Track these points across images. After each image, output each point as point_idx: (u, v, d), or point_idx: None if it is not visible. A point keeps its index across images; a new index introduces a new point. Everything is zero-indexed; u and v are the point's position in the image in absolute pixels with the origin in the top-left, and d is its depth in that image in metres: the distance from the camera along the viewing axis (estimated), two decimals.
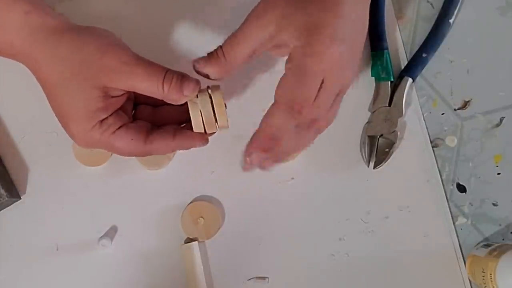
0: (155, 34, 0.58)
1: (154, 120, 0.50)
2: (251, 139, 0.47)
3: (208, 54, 0.47)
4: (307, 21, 0.43)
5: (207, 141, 0.49)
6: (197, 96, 0.47)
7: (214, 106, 0.47)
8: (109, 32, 0.47)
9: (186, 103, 0.47)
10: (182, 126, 0.50)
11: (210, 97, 0.47)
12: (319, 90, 0.44)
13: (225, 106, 0.48)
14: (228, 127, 0.48)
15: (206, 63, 0.46)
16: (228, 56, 0.46)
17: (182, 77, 0.46)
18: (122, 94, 0.46)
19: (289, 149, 0.48)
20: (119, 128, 0.47)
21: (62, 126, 0.47)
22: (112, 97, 0.46)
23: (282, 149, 0.47)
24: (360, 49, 0.46)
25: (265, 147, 0.47)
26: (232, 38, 0.46)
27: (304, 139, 0.48)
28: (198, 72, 0.46)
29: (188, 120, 0.48)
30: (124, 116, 0.48)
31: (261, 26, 0.44)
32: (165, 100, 0.46)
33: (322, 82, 0.44)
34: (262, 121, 0.47)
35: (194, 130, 0.48)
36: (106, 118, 0.46)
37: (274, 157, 0.48)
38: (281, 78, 0.45)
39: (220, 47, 0.46)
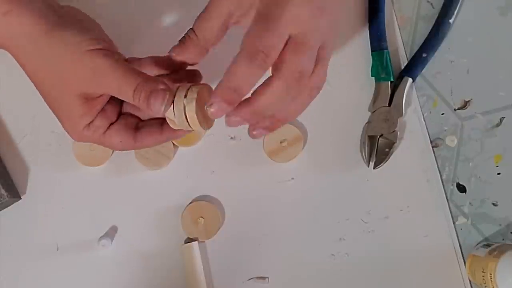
0: (157, 33, 0.58)
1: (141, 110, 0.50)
2: (213, 91, 0.43)
3: (180, 39, 0.47)
4: None
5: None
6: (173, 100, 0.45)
7: (187, 117, 0.45)
8: (90, 28, 0.46)
9: None
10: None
11: (184, 105, 0.45)
12: (288, 44, 0.43)
13: (203, 106, 0.45)
14: (205, 129, 0.47)
15: (180, 49, 0.46)
16: (200, 34, 0.46)
17: (150, 94, 0.44)
18: (103, 94, 0.46)
19: (281, 114, 0.47)
20: (108, 129, 0.47)
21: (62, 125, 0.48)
22: (94, 98, 0.46)
23: (271, 114, 0.46)
24: (336, 10, 0.45)
25: (228, 98, 0.42)
26: (201, 15, 0.46)
27: (297, 103, 0.46)
28: (175, 61, 0.47)
29: None
30: (111, 114, 0.48)
31: None
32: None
33: (290, 36, 0.43)
34: (226, 70, 0.43)
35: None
36: (92, 121, 0.46)
37: (268, 124, 0.47)
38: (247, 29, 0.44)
39: (191, 28, 0.46)
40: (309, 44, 0.44)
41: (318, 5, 0.43)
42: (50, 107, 0.47)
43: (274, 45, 0.43)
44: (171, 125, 0.46)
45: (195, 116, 0.44)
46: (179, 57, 0.47)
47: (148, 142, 0.49)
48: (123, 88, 0.44)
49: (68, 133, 0.48)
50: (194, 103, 0.44)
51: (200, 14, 0.46)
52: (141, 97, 0.44)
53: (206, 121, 0.46)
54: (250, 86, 0.43)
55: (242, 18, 0.46)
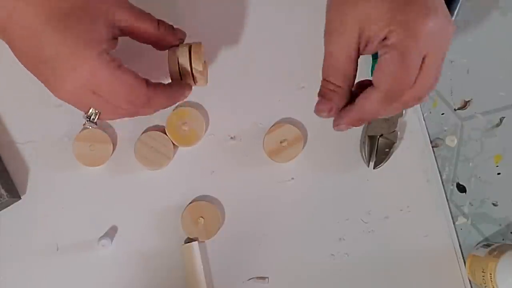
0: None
1: None
2: (343, 112, 0.46)
3: (319, 94, 0.47)
4: (390, 7, 0.42)
5: (190, 88, 0.51)
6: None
7: (192, 58, 0.50)
8: None
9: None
10: None
11: (190, 50, 0.50)
12: (421, 68, 0.43)
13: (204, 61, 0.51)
14: (205, 82, 0.52)
15: (326, 105, 0.46)
16: (340, 83, 0.45)
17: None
18: (125, 26, 0.47)
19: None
20: (123, 65, 0.46)
21: (68, 61, 0.44)
22: (116, 29, 0.46)
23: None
24: (448, 12, 0.44)
25: (352, 123, 0.47)
26: (325, 64, 0.46)
27: (395, 111, 0.46)
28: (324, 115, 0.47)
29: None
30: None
31: (344, 38, 0.43)
32: (157, 41, 0.49)
33: (423, 60, 0.42)
34: (358, 102, 0.45)
35: (171, 79, 0.51)
36: (109, 50, 0.45)
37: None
38: (379, 62, 0.43)
39: (324, 79, 0.46)
40: (435, 64, 0.43)
41: (447, 23, 0.43)
42: (63, 39, 0.43)
43: (411, 81, 0.43)
44: (169, 63, 0.50)
45: (201, 57, 0.50)
46: (326, 113, 0.47)
47: (159, 92, 0.47)
48: (148, 18, 0.48)
49: (81, 60, 0.44)
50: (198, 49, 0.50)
51: (324, 62, 0.46)
52: (166, 25, 0.49)
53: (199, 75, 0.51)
54: (374, 118, 0.46)
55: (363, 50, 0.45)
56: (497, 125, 0.58)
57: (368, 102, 0.44)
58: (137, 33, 0.48)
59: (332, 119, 0.58)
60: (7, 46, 0.46)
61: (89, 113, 0.46)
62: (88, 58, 0.44)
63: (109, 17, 0.45)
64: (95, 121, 0.47)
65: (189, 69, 0.50)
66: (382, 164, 0.56)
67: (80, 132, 0.56)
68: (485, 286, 0.53)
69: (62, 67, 0.44)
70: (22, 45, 0.45)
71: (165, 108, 0.49)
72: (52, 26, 0.44)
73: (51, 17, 0.44)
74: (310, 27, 0.59)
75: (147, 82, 0.47)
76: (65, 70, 0.44)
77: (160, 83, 0.49)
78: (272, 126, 0.57)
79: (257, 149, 0.57)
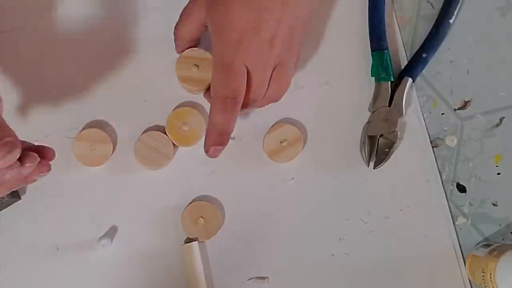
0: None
1: None
2: (205, 138, 0.49)
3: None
4: (219, 15, 0.46)
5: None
6: None
7: None
8: None
9: None
10: None
11: None
12: (249, 77, 0.47)
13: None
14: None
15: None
16: (178, 34, 0.52)
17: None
18: None
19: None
20: None
21: None
22: None
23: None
24: (302, 23, 0.48)
25: (218, 141, 0.49)
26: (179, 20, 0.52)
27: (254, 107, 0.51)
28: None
29: None
30: None
31: (199, 6, 0.49)
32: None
33: (248, 70, 0.47)
34: (208, 121, 0.49)
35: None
36: None
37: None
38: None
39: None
40: (264, 73, 0.48)
41: (268, 37, 0.46)
42: None
43: (239, 87, 0.47)
44: None
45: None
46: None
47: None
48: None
49: None
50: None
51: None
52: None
53: None
54: (232, 124, 0.49)
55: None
56: (497, 125, 0.58)
57: (212, 116, 0.48)
58: None
59: (332, 117, 0.58)
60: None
61: None
62: None
63: None
64: None
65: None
66: (382, 164, 0.56)
67: (80, 132, 0.56)
68: (485, 286, 0.53)
69: None
70: None
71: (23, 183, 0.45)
72: None
73: None
74: (309, 28, 0.59)
75: None
76: None
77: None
78: (272, 126, 0.57)
79: (257, 149, 0.57)
